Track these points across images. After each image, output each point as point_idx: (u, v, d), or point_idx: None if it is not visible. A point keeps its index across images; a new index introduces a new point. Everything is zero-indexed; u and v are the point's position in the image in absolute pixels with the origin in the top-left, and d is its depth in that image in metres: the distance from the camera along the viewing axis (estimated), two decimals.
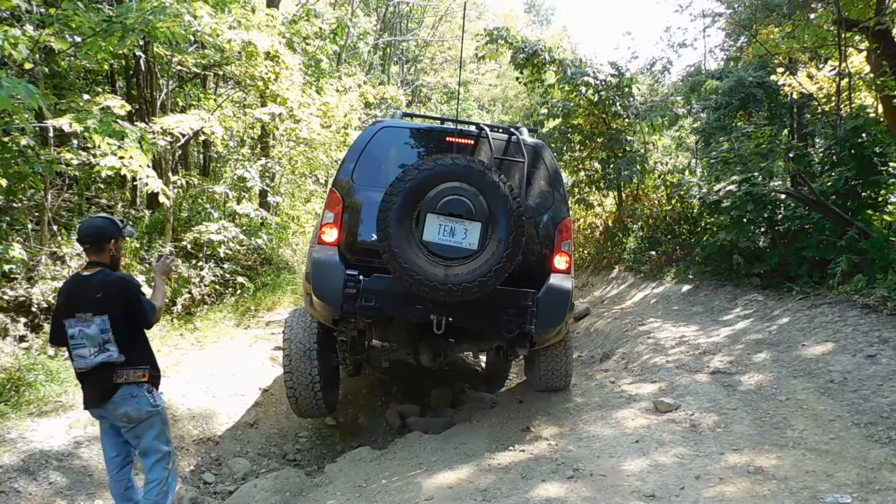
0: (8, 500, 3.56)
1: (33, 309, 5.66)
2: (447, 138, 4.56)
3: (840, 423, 4.04)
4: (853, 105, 8.63)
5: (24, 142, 5.47)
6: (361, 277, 4.01)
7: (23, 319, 5.65)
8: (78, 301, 3.19)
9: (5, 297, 5.58)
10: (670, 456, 3.85)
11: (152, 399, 3.28)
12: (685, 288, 8.51)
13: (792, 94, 10.46)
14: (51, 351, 5.52)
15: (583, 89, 11.09)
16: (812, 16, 9.02)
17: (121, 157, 5.29)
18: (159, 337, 6.50)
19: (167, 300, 7.28)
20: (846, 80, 8.53)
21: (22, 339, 5.56)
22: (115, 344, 3.16)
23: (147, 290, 3.70)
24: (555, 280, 4.32)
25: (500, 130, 4.77)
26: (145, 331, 3.39)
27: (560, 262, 4.40)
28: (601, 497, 3.41)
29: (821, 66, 9.98)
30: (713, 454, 3.83)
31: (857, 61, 9.06)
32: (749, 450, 3.83)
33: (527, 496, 3.49)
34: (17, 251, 5.43)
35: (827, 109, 9.05)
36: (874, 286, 5.98)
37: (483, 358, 7.60)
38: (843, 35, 8.25)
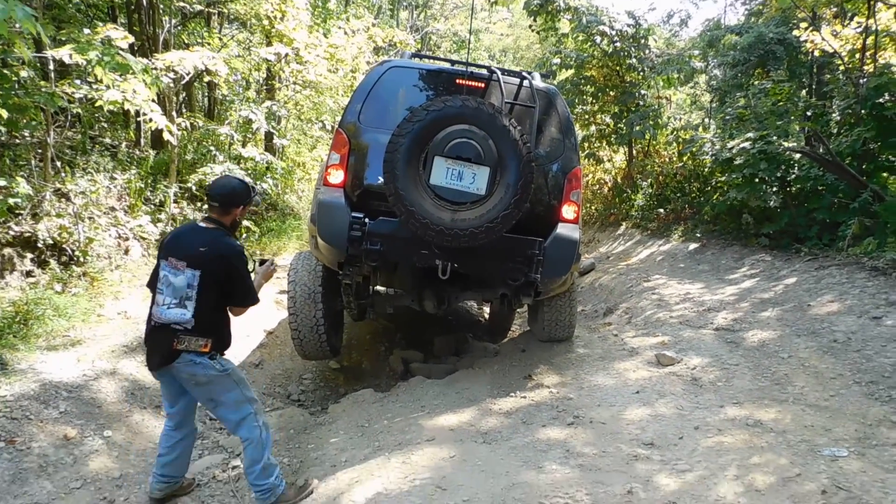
0: (21, 426, 3.63)
1: (39, 245, 5.66)
2: (457, 80, 4.43)
3: (841, 382, 4.05)
4: (877, 64, 8.33)
5: (23, 73, 5.35)
6: (367, 220, 3.96)
7: (29, 255, 5.65)
8: (180, 246, 3.09)
9: (10, 233, 5.57)
10: (670, 407, 3.89)
11: (218, 364, 3.10)
12: (692, 246, 8.46)
13: (813, 51, 10.10)
14: (58, 287, 5.56)
15: (598, 39, 10.76)
16: None
17: (123, 91, 5.16)
18: None
19: None
20: (872, 37, 8.20)
21: (29, 273, 5.58)
22: (194, 304, 3.01)
23: None
24: (562, 229, 4.27)
25: (513, 74, 4.63)
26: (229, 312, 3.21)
27: (568, 211, 4.33)
28: (601, 443, 3.46)
29: (846, 22, 9.58)
30: (713, 407, 3.86)
31: (885, 18, 8.68)
32: (749, 404, 3.86)
33: (527, 440, 3.55)
34: (23, 186, 5.39)
35: (849, 67, 8.74)
36: (885, 249, 5.92)
37: (487, 309, 7.63)
38: None
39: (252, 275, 3.28)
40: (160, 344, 3.07)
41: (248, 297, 3.18)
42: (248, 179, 3.35)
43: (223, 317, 3.20)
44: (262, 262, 3.46)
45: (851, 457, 3.18)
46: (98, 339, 4.99)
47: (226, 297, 3.14)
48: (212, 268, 3.04)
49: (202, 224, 3.21)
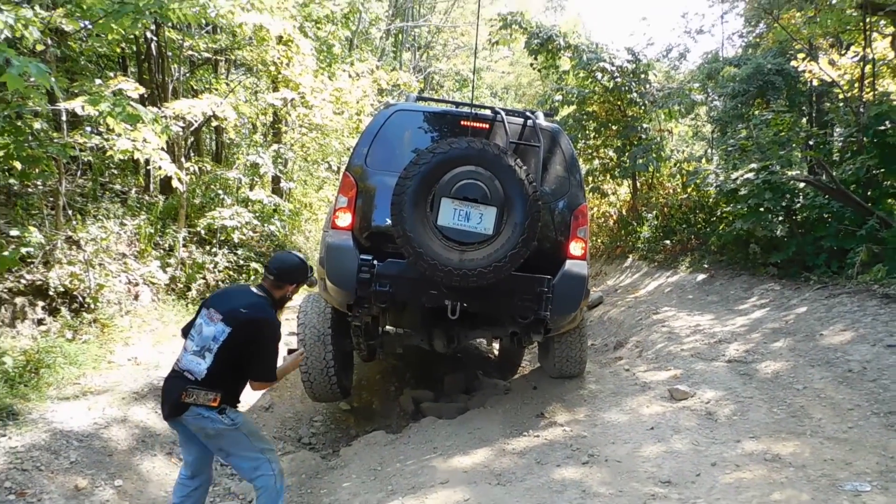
0: (31, 477, 3.61)
1: (50, 293, 5.71)
2: (462, 122, 4.52)
3: (859, 413, 3.99)
4: (876, 92, 8.44)
5: (37, 125, 5.49)
6: (375, 262, 4.00)
7: (40, 303, 5.70)
8: (224, 300, 3.16)
9: (22, 281, 5.63)
10: (686, 443, 3.83)
11: (226, 419, 3.04)
12: (700, 277, 8.43)
13: (812, 81, 10.25)
14: (69, 334, 5.58)
15: (598, 75, 10.95)
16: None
17: (133, 140, 5.28)
18: (175, 322, 6.54)
19: (183, 285, 7.33)
20: (869, 66, 8.33)
21: (40, 322, 5.62)
22: (213, 357, 2.99)
23: None
24: (570, 266, 4.29)
25: (516, 115, 4.72)
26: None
27: (575, 248, 4.36)
28: (617, 482, 3.40)
29: (843, 52, 9.75)
30: (729, 441, 3.80)
31: (881, 47, 8.85)
32: (766, 437, 3.80)
33: (542, 480, 3.49)
34: (35, 235, 5.48)
35: (849, 96, 8.86)
36: (894, 276, 5.88)
37: (496, 346, 7.59)
38: (867, 19, 8.06)
39: (281, 359, 3.29)
40: (171, 393, 3.06)
41: (264, 372, 3.14)
42: (307, 262, 3.39)
43: (238, 381, 3.16)
44: (292, 352, 3.52)
45: (875, 491, 3.10)
46: (108, 386, 4.99)
47: (244, 364, 3.08)
48: (242, 330, 3.03)
49: (253, 289, 3.26)
